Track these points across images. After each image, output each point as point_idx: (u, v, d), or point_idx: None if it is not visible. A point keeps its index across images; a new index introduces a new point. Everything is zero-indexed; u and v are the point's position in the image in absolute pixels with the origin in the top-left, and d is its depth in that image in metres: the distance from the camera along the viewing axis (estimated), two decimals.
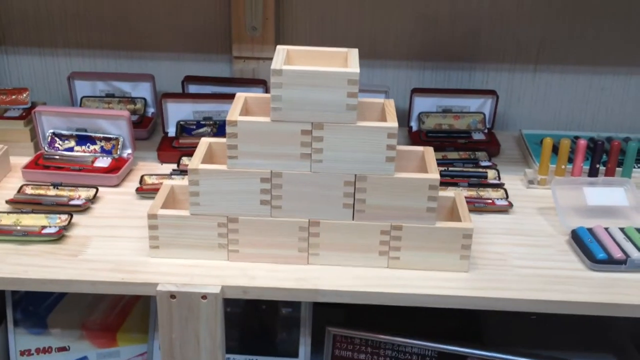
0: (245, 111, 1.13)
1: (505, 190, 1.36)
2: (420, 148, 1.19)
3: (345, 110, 1.05)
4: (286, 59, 1.09)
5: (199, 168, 1.09)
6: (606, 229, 1.21)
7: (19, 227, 1.19)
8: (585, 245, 1.17)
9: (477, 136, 1.57)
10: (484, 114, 1.60)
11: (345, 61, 1.11)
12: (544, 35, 1.63)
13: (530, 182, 1.41)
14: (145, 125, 1.58)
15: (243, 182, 1.09)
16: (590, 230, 1.21)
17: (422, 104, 1.59)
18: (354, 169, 1.08)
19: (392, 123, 1.07)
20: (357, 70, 1.04)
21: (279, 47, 1.13)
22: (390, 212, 1.10)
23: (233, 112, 1.09)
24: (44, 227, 1.19)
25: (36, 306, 1.44)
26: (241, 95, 1.16)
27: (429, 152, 1.17)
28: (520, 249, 1.20)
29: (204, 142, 1.17)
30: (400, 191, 1.09)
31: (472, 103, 1.61)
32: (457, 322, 1.48)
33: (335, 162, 1.08)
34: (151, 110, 1.64)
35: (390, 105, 1.14)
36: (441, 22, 1.63)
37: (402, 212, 1.10)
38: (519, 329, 1.50)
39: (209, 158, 1.15)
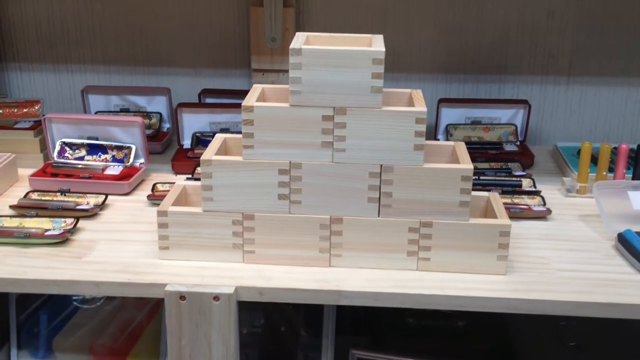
0: (262, 100, 1.06)
1: (543, 198, 1.26)
2: (450, 143, 1.11)
3: (369, 93, 0.98)
4: (306, 42, 1.02)
5: (212, 159, 1.02)
6: None
7: (20, 229, 1.11)
8: (634, 247, 1.07)
9: (509, 147, 1.49)
10: (516, 126, 1.51)
11: (369, 46, 1.04)
12: (576, 45, 1.55)
13: (569, 190, 1.31)
14: (160, 139, 1.52)
15: (259, 174, 1.01)
16: (638, 233, 1.11)
17: (450, 115, 1.52)
18: (379, 158, 1.00)
19: (421, 107, 0.99)
20: (383, 49, 0.97)
21: (298, 33, 1.06)
22: (419, 206, 1.01)
23: (249, 99, 1.02)
24: (47, 230, 1.12)
25: (41, 328, 1.36)
26: (258, 86, 1.09)
27: (460, 147, 1.09)
28: (562, 254, 1.10)
29: (219, 137, 1.10)
30: (430, 183, 1.00)
31: (503, 114, 1.52)
32: (489, 346, 1.37)
33: (359, 151, 1.00)
34: (166, 126, 1.57)
35: (418, 94, 1.07)
36: (466, 32, 1.56)
37: (432, 206, 1.01)
38: (557, 356, 1.38)
39: (223, 152, 1.08)
